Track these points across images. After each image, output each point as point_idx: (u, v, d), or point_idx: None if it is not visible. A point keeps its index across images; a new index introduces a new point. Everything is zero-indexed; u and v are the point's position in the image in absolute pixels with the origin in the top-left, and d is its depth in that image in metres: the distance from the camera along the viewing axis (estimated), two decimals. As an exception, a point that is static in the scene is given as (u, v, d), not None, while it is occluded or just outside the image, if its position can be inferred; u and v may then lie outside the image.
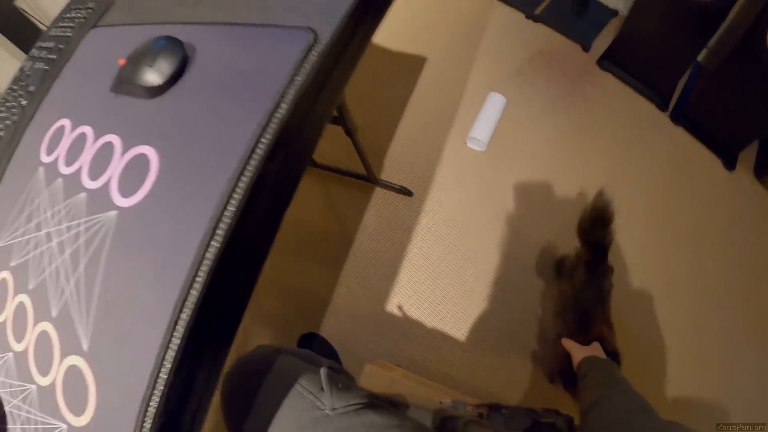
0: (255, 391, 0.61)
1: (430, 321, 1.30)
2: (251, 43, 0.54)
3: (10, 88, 0.81)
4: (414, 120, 1.57)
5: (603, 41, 1.65)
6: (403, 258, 1.37)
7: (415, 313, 1.31)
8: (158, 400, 0.42)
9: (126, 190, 0.50)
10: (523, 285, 1.31)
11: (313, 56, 0.50)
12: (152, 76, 0.54)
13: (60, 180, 0.57)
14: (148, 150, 0.51)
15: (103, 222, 0.50)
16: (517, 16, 1.75)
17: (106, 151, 0.54)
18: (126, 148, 0.52)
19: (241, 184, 0.44)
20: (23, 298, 0.55)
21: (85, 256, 0.50)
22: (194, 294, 0.41)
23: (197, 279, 0.42)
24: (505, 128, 1.52)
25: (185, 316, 0.41)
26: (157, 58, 0.54)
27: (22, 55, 1.37)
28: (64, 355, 0.48)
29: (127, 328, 0.44)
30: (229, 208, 0.43)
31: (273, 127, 0.45)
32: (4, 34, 1.30)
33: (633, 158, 1.49)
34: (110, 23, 0.74)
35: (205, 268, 0.42)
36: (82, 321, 0.47)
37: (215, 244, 0.42)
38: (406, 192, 1.43)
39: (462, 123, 1.54)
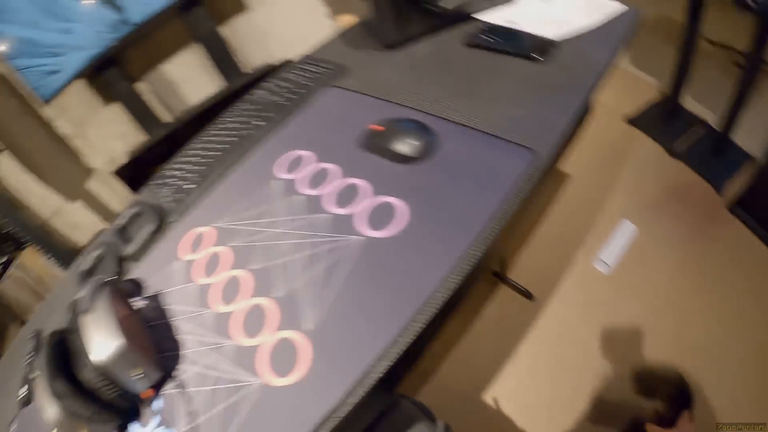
0: (376, 424, 0.72)
1: (520, 421, 1.35)
2: (483, 148, 0.71)
3: (241, 108, 1.00)
4: (546, 229, 1.74)
5: (737, 185, 1.74)
6: (510, 354, 1.47)
7: (507, 408, 1.37)
8: (365, 389, 0.53)
9: (374, 225, 0.65)
10: (618, 413, 1.34)
11: (534, 174, 0.66)
12: (405, 148, 0.71)
13: (301, 197, 0.73)
14: (396, 201, 0.66)
15: (348, 242, 0.64)
16: (657, 148, 1.94)
17: (353, 190, 0.71)
18: (376, 194, 0.69)
19: (476, 255, 0.58)
20: (242, 273, 0.69)
21: (324, 262, 0.64)
22: (428, 313, 0.55)
23: (429, 308, 0.56)
24: (629, 256, 1.65)
25: (415, 328, 0.55)
26: (413, 136, 0.71)
27: (213, 74, 1.63)
28: (282, 328, 0.60)
29: (356, 326, 0.57)
30: (465, 266, 0.58)
31: (499, 222, 0.61)
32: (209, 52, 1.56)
33: (749, 308, 1.53)
34: (347, 87, 0.94)
35: (436, 303, 0.56)
36: (312, 308, 0.60)
37: (448, 289, 0.56)
38: (527, 295, 1.56)
39: (590, 242, 1.69)
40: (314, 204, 0.71)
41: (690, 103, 2.03)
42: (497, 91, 0.84)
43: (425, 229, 0.64)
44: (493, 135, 0.73)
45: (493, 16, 1.00)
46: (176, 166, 0.97)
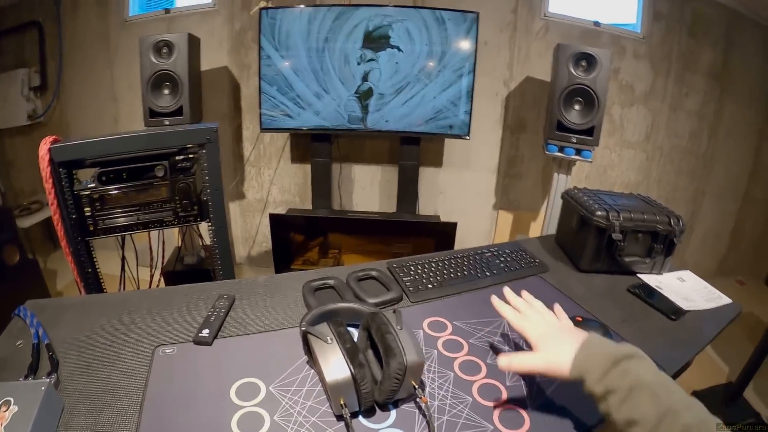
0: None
1: None
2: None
3: (483, 256, 1.47)
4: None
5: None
6: None
7: None
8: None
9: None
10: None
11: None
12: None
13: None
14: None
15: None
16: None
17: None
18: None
19: None
20: (477, 360, 1.02)
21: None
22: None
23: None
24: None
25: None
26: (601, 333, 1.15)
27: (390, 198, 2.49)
28: (508, 402, 0.92)
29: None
30: None
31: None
32: (400, 178, 2.29)
33: None
34: (547, 280, 1.39)
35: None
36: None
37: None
38: None
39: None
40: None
41: (751, 395, 2.25)
42: (643, 329, 1.19)
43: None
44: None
45: (648, 279, 1.45)
46: (419, 263, 1.41)
